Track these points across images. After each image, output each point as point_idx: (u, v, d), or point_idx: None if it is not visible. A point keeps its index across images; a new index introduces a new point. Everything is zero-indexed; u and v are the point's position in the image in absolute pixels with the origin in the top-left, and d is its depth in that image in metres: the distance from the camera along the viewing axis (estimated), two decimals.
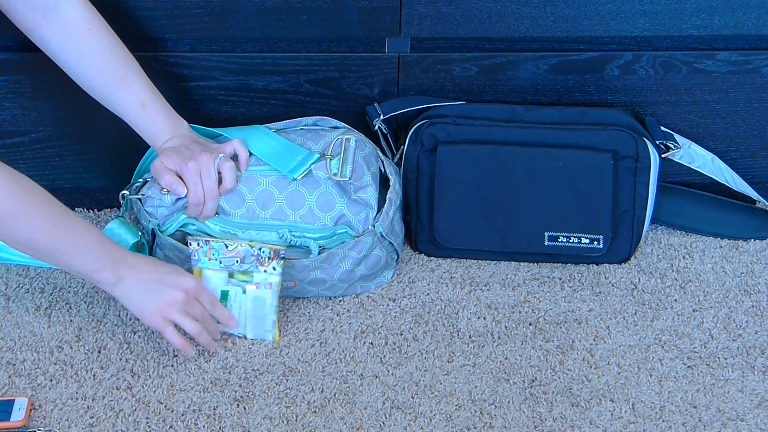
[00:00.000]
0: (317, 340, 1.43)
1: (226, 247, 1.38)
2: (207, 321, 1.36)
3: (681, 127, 1.58)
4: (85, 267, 1.31)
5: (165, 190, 1.39)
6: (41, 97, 1.51)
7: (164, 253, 1.44)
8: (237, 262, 1.38)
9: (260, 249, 1.37)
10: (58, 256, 1.29)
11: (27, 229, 1.25)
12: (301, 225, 1.41)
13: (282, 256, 1.38)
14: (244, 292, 1.39)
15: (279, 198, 1.41)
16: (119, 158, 1.55)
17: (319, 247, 1.42)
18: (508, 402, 1.35)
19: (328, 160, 1.43)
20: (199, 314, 1.35)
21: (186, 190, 1.37)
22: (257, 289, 1.39)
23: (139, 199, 1.42)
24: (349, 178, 1.42)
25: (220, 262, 1.38)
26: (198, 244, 1.38)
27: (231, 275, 1.39)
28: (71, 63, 1.38)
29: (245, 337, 1.42)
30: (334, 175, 1.42)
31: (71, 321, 1.45)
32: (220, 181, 1.39)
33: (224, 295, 1.40)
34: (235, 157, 1.42)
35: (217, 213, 1.41)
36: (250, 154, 1.43)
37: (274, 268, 1.38)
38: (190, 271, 1.39)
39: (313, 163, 1.42)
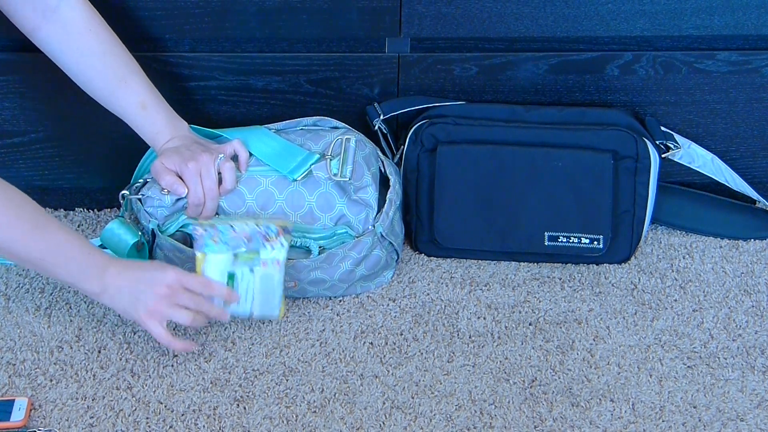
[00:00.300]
0: (317, 340, 1.43)
1: (232, 228, 1.37)
2: (200, 305, 1.34)
3: (681, 127, 1.58)
4: (69, 277, 1.31)
5: (165, 190, 1.39)
6: (41, 97, 1.51)
7: (164, 254, 1.44)
8: (245, 241, 1.37)
9: (267, 227, 1.37)
10: (43, 265, 1.29)
11: (7, 238, 1.25)
12: (301, 225, 1.41)
13: (290, 231, 1.37)
14: (252, 271, 1.38)
15: (279, 198, 1.41)
16: (119, 158, 1.55)
17: (319, 247, 1.42)
18: (508, 402, 1.35)
19: (328, 160, 1.43)
20: (189, 303, 1.33)
21: (186, 190, 1.37)
22: (265, 267, 1.38)
23: (139, 200, 1.42)
24: (349, 179, 1.42)
25: (227, 244, 1.37)
26: (204, 229, 1.37)
27: (236, 256, 1.38)
28: (71, 64, 1.38)
29: (251, 316, 1.40)
30: (334, 175, 1.42)
31: (71, 321, 1.45)
32: (220, 182, 1.39)
33: (231, 277, 1.38)
34: (235, 158, 1.42)
35: (217, 213, 1.41)
36: (250, 154, 1.43)
37: (282, 244, 1.37)
38: (192, 269, 1.38)
39: (313, 164, 1.42)
